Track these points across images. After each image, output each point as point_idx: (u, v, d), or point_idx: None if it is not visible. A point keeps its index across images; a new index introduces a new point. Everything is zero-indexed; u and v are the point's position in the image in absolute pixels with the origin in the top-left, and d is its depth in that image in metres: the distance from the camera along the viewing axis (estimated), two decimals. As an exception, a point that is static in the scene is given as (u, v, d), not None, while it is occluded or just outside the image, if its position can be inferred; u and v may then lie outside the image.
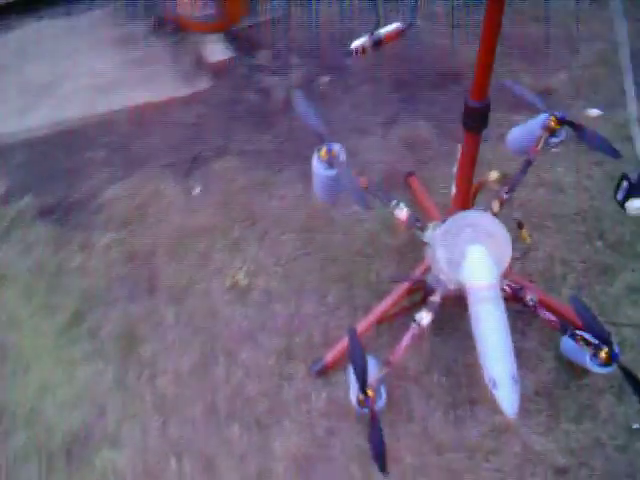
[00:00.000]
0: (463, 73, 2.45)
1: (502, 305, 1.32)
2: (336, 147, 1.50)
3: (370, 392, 1.33)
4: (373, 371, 1.37)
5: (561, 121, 1.49)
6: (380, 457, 1.27)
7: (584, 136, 1.45)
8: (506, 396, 1.18)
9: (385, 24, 1.58)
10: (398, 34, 1.60)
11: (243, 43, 2.71)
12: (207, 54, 2.66)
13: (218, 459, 1.55)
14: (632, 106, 1.29)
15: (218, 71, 2.61)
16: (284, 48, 2.70)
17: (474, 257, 1.40)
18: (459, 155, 1.48)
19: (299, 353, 1.72)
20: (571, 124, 1.45)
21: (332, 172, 1.49)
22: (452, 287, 1.44)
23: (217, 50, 2.67)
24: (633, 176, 1.36)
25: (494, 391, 1.21)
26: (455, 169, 1.53)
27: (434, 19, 2.74)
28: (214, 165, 2.26)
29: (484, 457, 1.51)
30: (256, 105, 2.49)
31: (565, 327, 1.37)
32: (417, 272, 1.62)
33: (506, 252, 1.40)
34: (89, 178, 2.25)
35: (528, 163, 1.54)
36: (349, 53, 1.58)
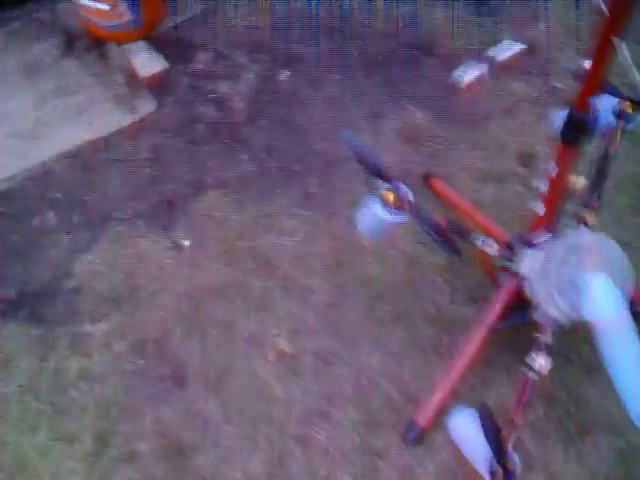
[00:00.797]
0: (433, 42, 2.21)
1: (636, 334, 1.14)
2: (403, 188, 1.25)
3: (509, 464, 1.15)
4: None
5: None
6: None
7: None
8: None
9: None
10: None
11: (174, 48, 2.31)
12: (137, 68, 2.23)
13: None
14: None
15: (157, 86, 2.21)
16: (224, 46, 2.33)
17: (597, 288, 1.19)
18: (550, 169, 1.26)
19: (383, 419, 1.49)
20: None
21: (402, 218, 1.25)
22: (566, 323, 1.26)
23: (148, 61, 2.25)
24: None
25: None
26: (540, 184, 1.31)
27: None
28: (196, 206, 1.91)
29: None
30: (216, 120, 2.13)
31: None
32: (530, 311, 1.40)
33: (628, 274, 1.22)
34: (47, 252, 1.84)
35: (607, 159, 1.35)
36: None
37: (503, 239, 1.43)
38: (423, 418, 1.44)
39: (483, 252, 1.34)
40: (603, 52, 0.99)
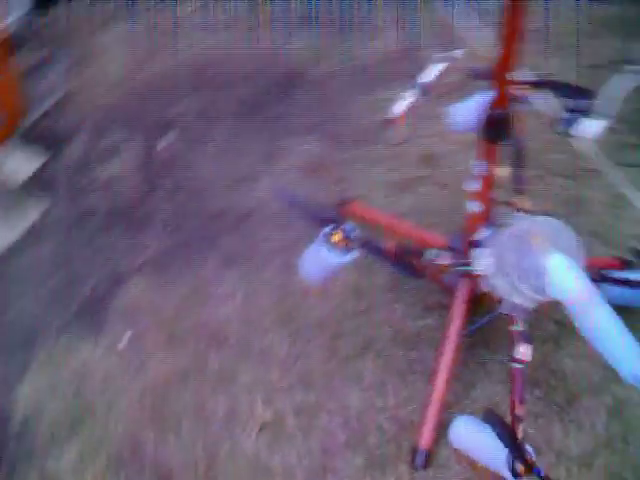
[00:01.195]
0: (296, 70, 2.22)
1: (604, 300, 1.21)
2: (349, 226, 1.24)
3: (530, 460, 1.17)
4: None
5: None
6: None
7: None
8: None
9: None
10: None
11: (44, 141, 2.16)
12: (10, 173, 2.06)
13: None
14: None
15: (39, 186, 2.05)
16: (97, 125, 2.21)
17: (555, 267, 1.24)
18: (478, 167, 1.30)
19: (385, 454, 1.46)
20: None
21: (351, 256, 1.24)
22: (534, 306, 1.30)
23: (23, 162, 2.09)
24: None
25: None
26: (471, 184, 1.35)
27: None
28: (121, 300, 1.80)
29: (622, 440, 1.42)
30: (111, 206, 2.01)
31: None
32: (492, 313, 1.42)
33: (576, 245, 1.28)
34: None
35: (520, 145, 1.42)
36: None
37: (444, 244, 1.45)
38: (424, 440, 1.43)
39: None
40: (509, 43, 1.02)
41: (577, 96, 1.32)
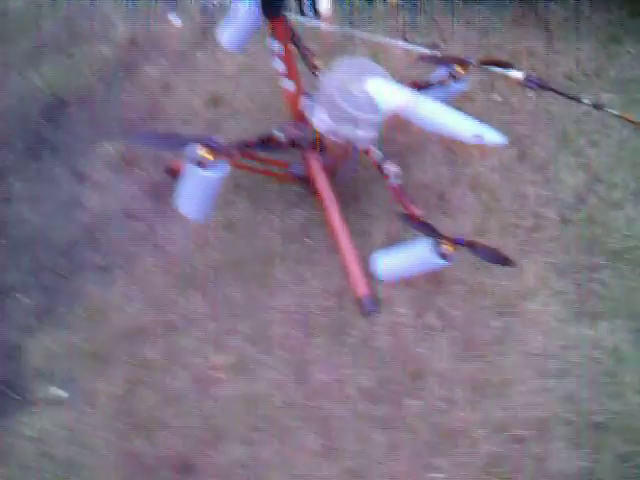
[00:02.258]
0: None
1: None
2: (208, 138, 1.32)
3: (449, 237, 1.39)
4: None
5: None
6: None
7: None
8: (490, 132, 1.30)
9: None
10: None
11: None
12: None
13: None
14: None
15: None
16: None
17: (380, 87, 1.41)
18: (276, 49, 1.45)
19: (341, 322, 1.60)
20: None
21: (223, 169, 1.33)
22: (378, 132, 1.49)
23: None
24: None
25: (483, 142, 1.31)
26: (277, 65, 1.49)
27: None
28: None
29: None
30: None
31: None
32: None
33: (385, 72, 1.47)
34: None
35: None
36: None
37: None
38: (362, 289, 1.59)
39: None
40: None
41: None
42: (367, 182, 1.79)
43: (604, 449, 1.40)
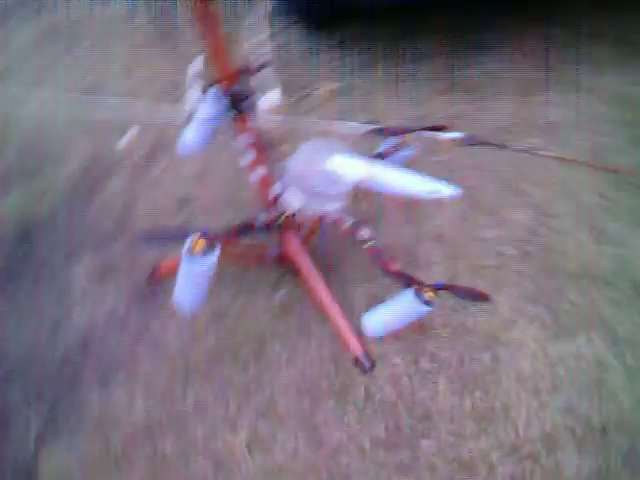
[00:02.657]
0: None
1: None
2: (201, 229, 1.44)
3: (429, 285, 1.50)
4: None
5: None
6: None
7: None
8: (444, 187, 1.44)
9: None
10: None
11: None
12: None
13: None
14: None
15: None
16: None
17: (342, 162, 1.58)
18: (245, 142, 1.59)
19: (342, 383, 1.69)
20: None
21: (215, 254, 1.44)
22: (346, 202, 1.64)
23: None
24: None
25: (440, 196, 1.45)
26: (246, 160, 1.63)
27: None
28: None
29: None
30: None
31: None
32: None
33: (342, 147, 1.65)
34: None
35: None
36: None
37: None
38: (355, 347, 1.70)
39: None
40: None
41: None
42: (340, 251, 1.93)
43: (609, 447, 1.50)
